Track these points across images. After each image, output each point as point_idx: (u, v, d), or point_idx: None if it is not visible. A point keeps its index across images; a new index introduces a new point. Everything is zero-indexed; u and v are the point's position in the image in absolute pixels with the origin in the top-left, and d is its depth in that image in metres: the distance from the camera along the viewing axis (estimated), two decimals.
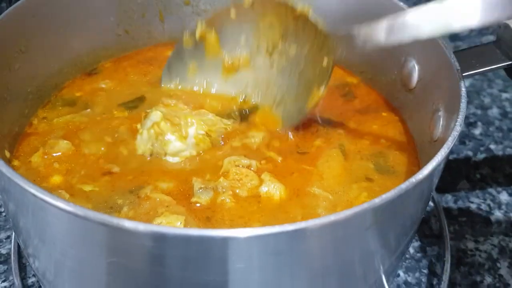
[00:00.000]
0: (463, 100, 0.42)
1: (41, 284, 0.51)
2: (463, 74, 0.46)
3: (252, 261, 0.35)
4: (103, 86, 0.61)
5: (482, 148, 0.76)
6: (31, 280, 0.55)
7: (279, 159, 0.52)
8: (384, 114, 0.60)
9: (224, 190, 0.49)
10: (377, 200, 0.33)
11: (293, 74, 0.56)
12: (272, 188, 0.49)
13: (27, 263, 0.57)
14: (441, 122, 0.47)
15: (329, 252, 0.36)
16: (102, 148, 0.52)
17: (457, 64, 0.46)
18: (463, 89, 0.43)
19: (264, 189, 0.49)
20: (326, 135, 0.56)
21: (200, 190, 0.48)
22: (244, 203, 0.48)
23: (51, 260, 0.41)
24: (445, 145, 0.37)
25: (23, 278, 0.55)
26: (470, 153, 0.75)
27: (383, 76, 0.60)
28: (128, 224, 0.32)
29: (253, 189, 0.49)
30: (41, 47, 0.55)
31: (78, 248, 0.36)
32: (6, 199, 0.40)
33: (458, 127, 0.38)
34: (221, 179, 0.49)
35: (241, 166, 0.51)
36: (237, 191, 0.49)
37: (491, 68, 0.47)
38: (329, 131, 0.57)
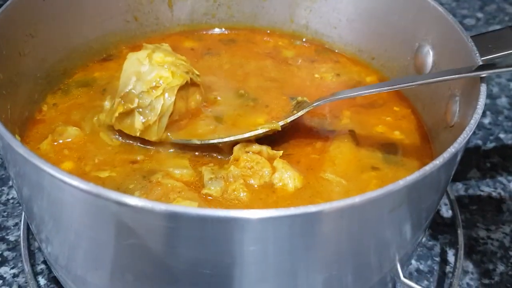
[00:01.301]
0: (483, 83, 0.41)
1: (52, 270, 0.51)
2: (482, 59, 0.45)
3: (266, 243, 0.34)
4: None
5: (491, 137, 0.76)
6: (40, 267, 0.55)
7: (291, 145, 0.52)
8: (395, 108, 0.59)
9: (235, 179, 0.48)
10: (401, 182, 0.32)
11: None
12: (286, 176, 0.48)
13: (36, 250, 0.56)
14: (458, 107, 0.47)
15: (344, 237, 0.36)
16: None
17: (475, 48, 0.45)
18: (483, 73, 0.42)
19: (277, 177, 0.48)
20: (337, 124, 0.56)
21: (210, 181, 0.47)
22: (258, 193, 0.47)
23: (65, 244, 0.41)
24: (467, 127, 0.36)
25: (32, 264, 0.55)
26: (479, 142, 0.75)
27: (396, 62, 0.59)
28: (145, 203, 0.31)
29: (265, 177, 0.48)
30: (50, 32, 0.54)
31: (93, 229, 0.36)
32: (20, 184, 0.40)
33: (479, 110, 0.38)
34: (232, 167, 0.48)
35: (251, 152, 0.50)
36: (250, 180, 0.48)
37: (509, 53, 0.47)
38: (340, 120, 0.56)
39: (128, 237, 0.34)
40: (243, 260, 0.35)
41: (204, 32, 0.68)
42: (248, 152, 0.49)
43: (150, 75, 0.49)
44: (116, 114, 0.48)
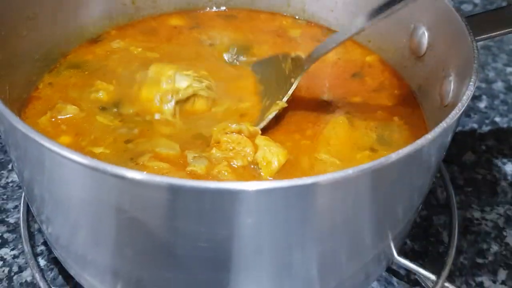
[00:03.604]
0: (476, 62, 0.41)
1: (53, 250, 0.51)
2: (476, 38, 0.45)
3: (262, 216, 0.35)
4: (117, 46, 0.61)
5: (487, 121, 0.76)
6: (40, 249, 0.56)
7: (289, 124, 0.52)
8: (393, 91, 0.59)
9: (218, 162, 0.47)
10: (393, 156, 0.33)
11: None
12: (269, 154, 0.47)
13: (36, 232, 0.57)
14: (452, 87, 0.47)
15: (338, 210, 0.36)
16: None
17: (469, 27, 0.46)
18: (476, 51, 0.43)
19: (260, 155, 0.47)
20: (333, 106, 0.56)
21: (194, 160, 0.46)
22: (242, 173, 0.46)
23: (65, 222, 0.41)
24: (459, 103, 0.37)
25: (32, 246, 0.55)
26: (475, 126, 0.75)
27: (392, 44, 0.60)
28: (143, 176, 0.32)
29: (248, 157, 0.47)
30: (48, 14, 0.55)
31: (92, 205, 0.36)
32: (21, 165, 0.40)
33: (472, 86, 0.38)
34: (214, 150, 0.47)
35: (230, 132, 0.48)
36: (233, 162, 0.47)
37: (503, 32, 0.47)
38: (337, 102, 0.57)
39: (126, 211, 0.35)
40: (239, 233, 0.35)
41: (201, 12, 0.69)
42: (228, 133, 0.48)
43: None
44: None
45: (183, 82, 0.54)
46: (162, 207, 0.34)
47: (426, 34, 0.54)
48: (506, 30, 0.48)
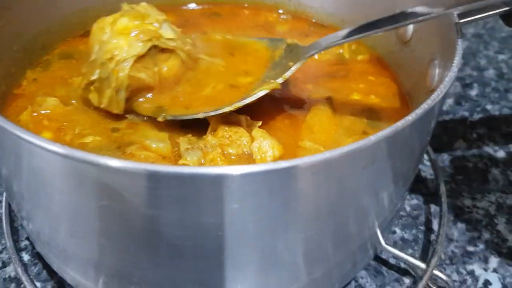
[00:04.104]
0: (459, 44, 0.41)
1: (35, 246, 0.50)
2: (460, 21, 0.45)
3: (247, 201, 0.34)
4: None
5: (478, 109, 0.76)
6: (24, 244, 0.55)
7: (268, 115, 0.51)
8: (378, 77, 0.58)
9: (212, 149, 0.47)
10: (372, 138, 0.32)
11: None
12: (265, 146, 0.47)
13: (19, 227, 0.56)
14: (437, 71, 0.46)
15: (322, 193, 0.36)
16: None
17: (454, 11, 0.45)
18: (459, 33, 0.42)
19: (256, 146, 0.47)
20: (313, 92, 0.56)
21: (187, 152, 0.46)
22: (236, 163, 0.46)
23: (45, 218, 0.41)
24: (442, 85, 0.36)
25: (15, 241, 0.55)
26: (466, 114, 0.75)
27: None
28: (124, 164, 0.31)
29: (243, 147, 0.47)
30: (26, 4, 0.53)
31: (73, 196, 0.36)
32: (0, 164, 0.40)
33: (455, 68, 0.38)
34: (210, 137, 0.47)
35: (228, 123, 0.48)
36: (228, 149, 0.47)
37: (488, 15, 0.46)
38: (316, 88, 0.56)
39: (106, 202, 0.34)
40: (224, 219, 0.34)
41: (184, 8, 0.68)
42: (226, 123, 0.48)
43: (107, 45, 0.47)
44: (82, 86, 0.48)
45: (169, 32, 0.49)
46: (142, 195, 0.33)
47: None
48: (492, 12, 0.47)
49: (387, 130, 0.32)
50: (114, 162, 0.31)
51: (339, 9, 0.63)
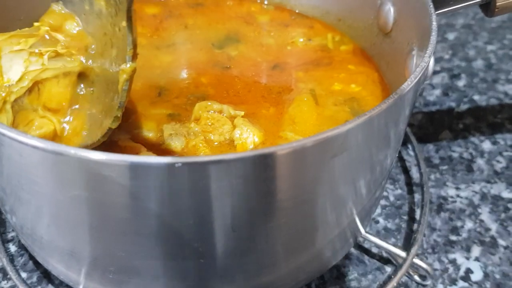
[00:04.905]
0: (434, 33, 0.41)
1: (21, 239, 0.51)
2: (438, 12, 0.45)
3: (222, 189, 0.34)
4: None
5: (465, 99, 0.76)
6: (10, 235, 0.55)
7: (251, 105, 0.52)
8: (358, 66, 0.59)
9: (195, 136, 0.48)
10: (345, 126, 0.32)
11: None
12: (246, 133, 0.48)
13: (6, 219, 0.57)
14: (414, 61, 0.47)
15: (295, 182, 0.36)
16: None
17: (430, 2, 0.45)
18: (434, 23, 0.42)
19: (237, 133, 0.48)
20: (296, 83, 0.56)
21: (170, 137, 0.48)
22: (218, 149, 0.48)
23: (28, 211, 0.41)
24: (412, 75, 0.36)
25: (2, 233, 0.55)
26: (453, 104, 0.75)
27: (361, 22, 0.59)
28: (106, 156, 0.31)
29: (225, 134, 0.48)
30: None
31: (55, 190, 0.36)
32: None
33: (427, 58, 0.38)
34: (192, 124, 0.49)
35: (212, 111, 0.50)
36: (210, 136, 0.48)
37: (466, 5, 0.47)
38: (299, 79, 0.56)
39: (85, 193, 0.35)
40: (200, 208, 0.35)
41: None
42: (209, 111, 0.49)
43: None
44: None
45: (16, 66, 0.42)
46: (126, 187, 0.33)
47: (392, 9, 0.53)
48: (470, 2, 0.47)
49: (359, 118, 0.33)
50: (96, 155, 0.32)
51: (323, 1, 0.63)
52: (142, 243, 0.37)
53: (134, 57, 0.40)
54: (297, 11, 0.66)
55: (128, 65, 0.40)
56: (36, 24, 0.48)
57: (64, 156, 0.33)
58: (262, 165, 0.33)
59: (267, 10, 0.67)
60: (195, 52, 0.59)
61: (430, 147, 0.68)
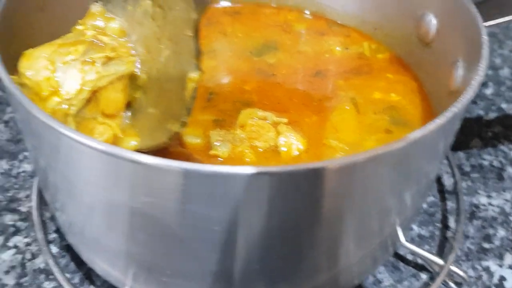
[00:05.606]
0: (485, 47, 0.42)
1: (66, 238, 0.52)
2: (485, 25, 0.46)
3: (271, 199, 0.35)
4: None
5: (493, 107, 0.77)
6: (51, 236, 0.56)
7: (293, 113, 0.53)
8: (396, 75, 0.60)
9: (241, 142, 0.49)
10: (402, 140, 0.33)
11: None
12: (290, 140, 0.49)
13: (48, 220, 0.58)
14: (460, 73, 0.47)
15: (345, 196, 0.37)
16: None
17: (478, 13, 0.46)
18: (485, 37, 0.43)
19: (282, 140, 0.49)
20: (336, 91, 0.57)
21: (218, 143, 0.49)
22: (263, 156, 0.49)
23: (79, 209, 0.42)
24: (469, 88, 0.37)
25: (44, 234, 0.56)
26: (481, 112, 0.76)
27: (398, 31, 0.60)
28: (158, 161, 0.32)
29: (270, 141, 0.49)
30: (58, 5, 0.55)
31: (108, 190, 0.37)
32: (37, 155, 0.41)
33: (481, 72, 0.39)
34: (238, 131, 0.50)
35: (257, 118, 0.51)
36: (255, 142, 0.49)
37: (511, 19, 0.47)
38: (340, 87, 0.57)
39: (142, 196, 0.35)
40: (248, 217, 0.36)
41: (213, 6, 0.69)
42: (254, 118, 0.50)
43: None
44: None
45: (72, 78, 0.42)
46: (176, 191, 0.34)
47: (434, 21, 0.54)
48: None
49: (416, 133, 0.33)
50: (149, 159, 0.32)
51: (360, 10, 0.64)
52: (203, 248, 0.38)
53: (200, 64, 0.41)
54: (333, 20, 0.67)
55: (196, 74, 0.40)
56: (78, 27, 0.48)
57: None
58: (320, 177, 0.34)
59: (304, 19, 0.67)
60: (235, 59, 0.60)
61: (461, 155, 0.69)
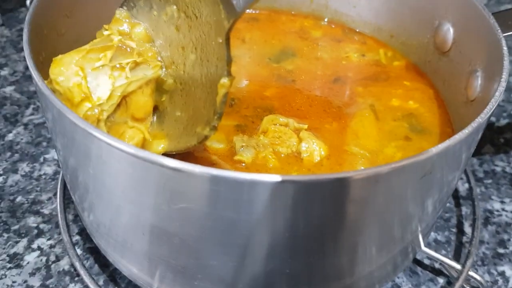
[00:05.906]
0: (506, 58, 0.43)
1: (92, 238, 0.53)
2: (504, 35, 0.47)
3: (298, 207, 0.36)
4: None
5: (504, 114, 0.78)
6: (75, 239, 0.57)
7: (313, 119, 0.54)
8: (413, 83, 0.61)
9: (264, 148, 0.50)
10: (433, 150, 0.34)
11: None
12: (312, 146, 0.50)
13: (71, 223, 0.59)
14: (479, 82, 0.48)
15: (369, 205, 0.38)
16: None
17: (496, 24, 0.47)
18: (505, 48, 0.44)
19: (304, 146, 0.50)
20: (355, 97, 0.58)
21: (242, 149, 0.50)
22: (286, 161, 0.49)
23: (107, 210, 0.43)
24: (493, 99, 0.38)
25: (69, 236, 0.57)
26: (493, 119, 0.77)
27: (415, 40, 0.61)
28: (187, 166, 0.33)
29: (292, 147, 0.50)
30: (83, 11, 0.56)
31: (137, 193, 0.38)
32: (66, 155, 0.42)
33: (503, 83, 0.40)
34: (261, 137, 0.51)
35: (278, 124, 0.52)
36: (278, 148, 0.50)
37: None
38: (359, 94, 0.58)
39: (169, 199, 0.36)
40: (274, 223, 0.37)
41: None
42: (276, 124, 0.51)
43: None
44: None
45: (103, 84, 0.43)
46: (205, 196, 0.35)
47: (451, 30, 0.55)
48: None
49: (441, 146, 0.34)
50: (177, 164, 0.33)
51: (376, 18, 0.65)
52: (236, 253, 0.39)
53: (230, 71, 0.41)
54: (349, 27, 0.68)
55: (228, 80, 0.41)
56: (105, 33, 0.49)
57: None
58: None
59: (320, 26, 0.69)
60: (254, 65, 0.61)
61: (474, 161, 0.70)
